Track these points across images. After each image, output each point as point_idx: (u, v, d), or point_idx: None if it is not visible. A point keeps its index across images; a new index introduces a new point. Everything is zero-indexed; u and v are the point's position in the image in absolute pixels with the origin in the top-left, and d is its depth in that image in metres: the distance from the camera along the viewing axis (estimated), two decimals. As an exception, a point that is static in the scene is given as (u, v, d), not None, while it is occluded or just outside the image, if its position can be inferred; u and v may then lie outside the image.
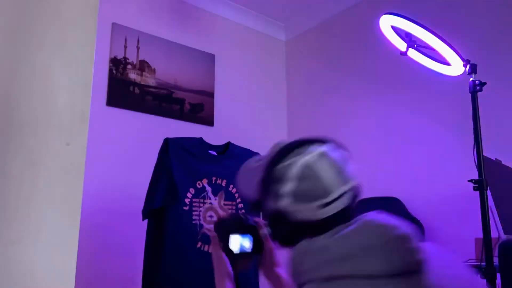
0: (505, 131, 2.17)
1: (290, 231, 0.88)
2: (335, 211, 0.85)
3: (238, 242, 1.07)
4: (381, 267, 0.74)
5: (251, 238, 1.08)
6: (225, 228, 1.09)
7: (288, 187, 0.86)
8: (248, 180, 1.00)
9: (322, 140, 0.92)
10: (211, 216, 1.92)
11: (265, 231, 1.09)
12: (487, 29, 2.33)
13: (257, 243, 1.09)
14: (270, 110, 3.31)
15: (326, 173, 0.86)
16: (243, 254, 1.08)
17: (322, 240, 0.80)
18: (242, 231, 1.08)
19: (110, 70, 2.58)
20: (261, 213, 0.98)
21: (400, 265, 0.75)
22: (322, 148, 0.89)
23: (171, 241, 1.80)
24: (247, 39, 3.30)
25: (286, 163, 0.88)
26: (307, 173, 0.86)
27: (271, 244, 1.10)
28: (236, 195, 2.01)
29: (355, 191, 0.89)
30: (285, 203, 0.86)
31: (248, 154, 2.12)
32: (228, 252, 1.07)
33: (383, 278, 0.74)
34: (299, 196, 0.85)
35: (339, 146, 0.93)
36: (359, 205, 1.04)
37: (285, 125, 3.38)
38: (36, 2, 0.74)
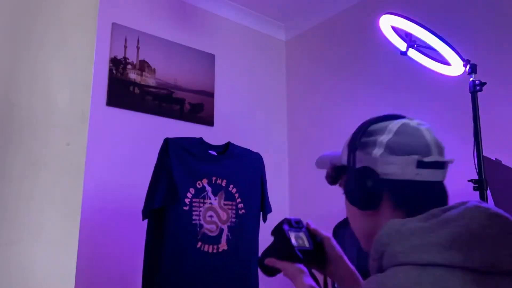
0: (505, 131, 2.17)
1: (375, 189, 0.78)
2: (430, 178, 0.77)
3: (294, 239, 0.97)
4: (490, 262, 0.64)
5: (306, 233, 1.00)
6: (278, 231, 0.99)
7: (383, 137, 0.79)
8: (328, 157, 0.93)
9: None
10: (211, 216, 1.92)
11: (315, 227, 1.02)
12: (487, 29, 2.33)
13: (314, 239, 1.00)
14: (270, 110, 3.31)
15: (427, 135, 0.80)
16: (305, 252, 0.96)
17: (417, 223, 0.70)
18: (293, 228, 0.99)
19: (110, 70, 2.58)
20: (340, 181, 0.88)
21: None
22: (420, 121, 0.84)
23: (171, 241, 1.80)
24: (247, 39, 3.30)
25: (382, 123, 0.83)
26: (406, 130, 0.80)
27: (328, 236, 1.02)
28: (236, 195, 2.01)
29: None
30: (377, 152, 0.78)
31: (248, 154, 2.13)
32: (289, 252, 0.95)
33: (490, 274, 0.64)
34: (395, 148, 0.78)
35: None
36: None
37: (285, 125, 3.38)
38: (36, 2, 0.74)
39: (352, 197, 0.82)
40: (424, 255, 0.65)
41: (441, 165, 0.79)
